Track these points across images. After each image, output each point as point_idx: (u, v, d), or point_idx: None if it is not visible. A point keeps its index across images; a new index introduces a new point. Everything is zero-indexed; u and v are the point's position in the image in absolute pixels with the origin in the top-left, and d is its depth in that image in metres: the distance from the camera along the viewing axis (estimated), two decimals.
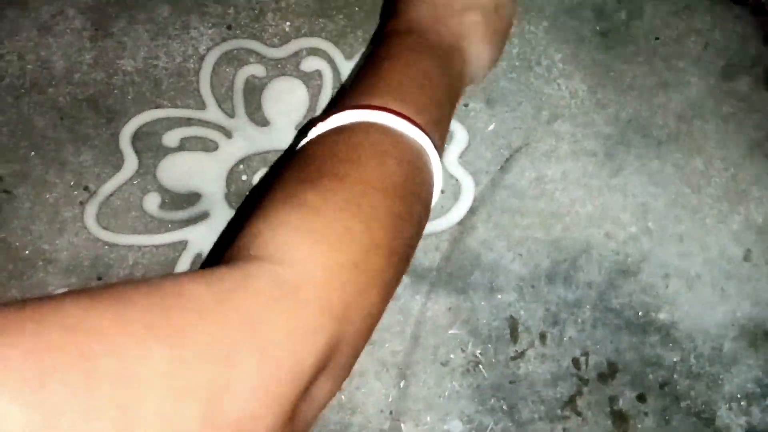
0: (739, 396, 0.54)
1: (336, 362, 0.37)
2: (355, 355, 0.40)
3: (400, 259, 0.42)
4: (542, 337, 0.56)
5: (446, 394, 0.55)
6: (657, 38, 0.62)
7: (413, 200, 0.44)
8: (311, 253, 0.37)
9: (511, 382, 0.55)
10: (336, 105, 0.49)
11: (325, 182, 0.40)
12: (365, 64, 0.51)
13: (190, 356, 0.30)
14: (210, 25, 0.63)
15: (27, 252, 0.57)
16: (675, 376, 0.55)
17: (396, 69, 0.49)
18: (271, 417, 0.32)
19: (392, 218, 0.41)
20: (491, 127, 0.61)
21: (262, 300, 0.34)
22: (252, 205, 0.56)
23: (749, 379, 0.55)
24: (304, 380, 0.34)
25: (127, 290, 0.32)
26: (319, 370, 0.35)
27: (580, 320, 0.56)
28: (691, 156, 0.60)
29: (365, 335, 0.40)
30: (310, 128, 0.46)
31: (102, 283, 0.57)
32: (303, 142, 0.46)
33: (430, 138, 0.45)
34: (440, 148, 0.48)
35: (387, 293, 0.41)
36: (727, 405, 0.54)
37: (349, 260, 0.38)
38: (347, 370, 0.39)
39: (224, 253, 0.40)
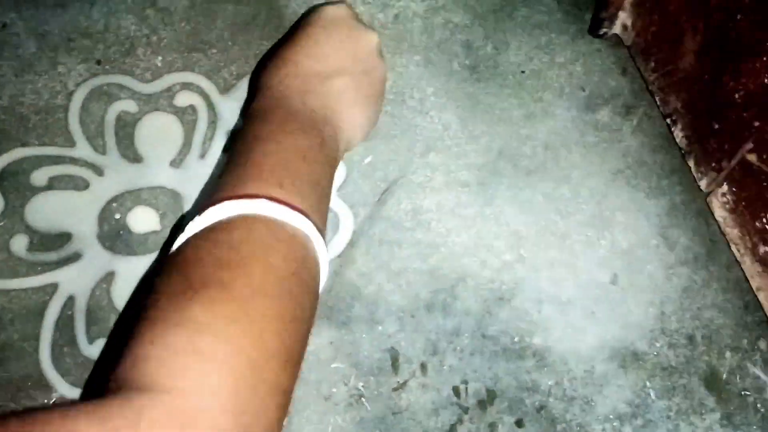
0: (611, 417, 0.56)
1: None
2: None
3: (296, 362, 0.41)
4: (423, 366, 0.57)
5: (330, 429, 0.55)
6: (522, 71, 0.65)
7: (303, 295, 0.43)
8: (203, 377, 0.36)
9: (393, 414, 0.55)
10: (210, 194, 0.47)
11: (211, 293, 0.39)
12: (236, 148, 0.49)
13: None
14: (79, 60, 0.62)
15: None
16: (551, 399, 0.57)
17: (269, 151, 0.47)
18: None
19: (284, 322, 0.40)
20: (368, 160, 0.62)
21: None
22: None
23: (620, 400, 0.57)
24: None
25: (12, 424, 0.31)
26: None
27: (459, 348, 0.57)
28: (559, 185, 0.62)
29: None
30: (185, 223, 0.44)
31: None
32: (180, 239, 0.44)
33: (312, 221, 0.45)
34: (323, 227, 0.46)
35: (286, 401, 0.40)
36: (601, 426, 0.56)
37: (242, 379, 0.37)
38: None
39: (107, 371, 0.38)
